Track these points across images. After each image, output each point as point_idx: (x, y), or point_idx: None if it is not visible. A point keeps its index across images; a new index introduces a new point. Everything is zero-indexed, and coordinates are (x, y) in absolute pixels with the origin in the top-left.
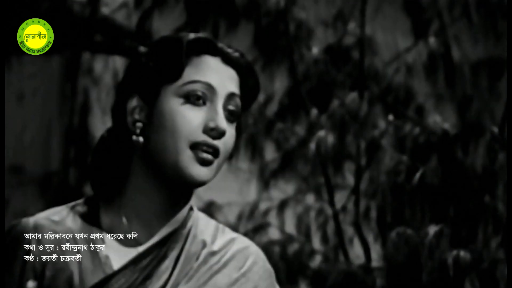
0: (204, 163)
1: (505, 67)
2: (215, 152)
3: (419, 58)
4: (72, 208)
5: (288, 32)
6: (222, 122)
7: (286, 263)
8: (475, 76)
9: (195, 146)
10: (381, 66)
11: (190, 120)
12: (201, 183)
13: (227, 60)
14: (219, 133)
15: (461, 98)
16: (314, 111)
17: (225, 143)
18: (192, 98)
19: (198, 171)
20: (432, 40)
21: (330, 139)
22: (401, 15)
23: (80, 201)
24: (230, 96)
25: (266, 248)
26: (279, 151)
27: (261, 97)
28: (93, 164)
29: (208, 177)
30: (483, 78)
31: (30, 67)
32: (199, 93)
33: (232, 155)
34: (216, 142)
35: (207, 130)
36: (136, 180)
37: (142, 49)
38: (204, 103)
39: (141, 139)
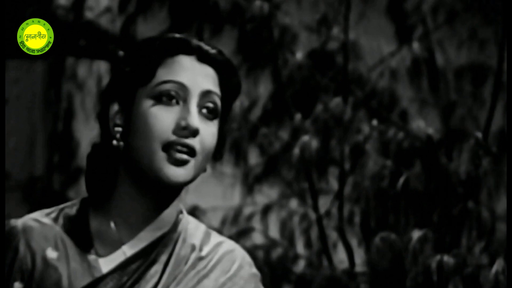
0: (178, 163)
1: (489, 73)
2: (190, 151)
3: (402, 63)
4: (62, 210)
5: (272, 37)
6: (193, 120)
7: (270, 268)
8: (459, 82)
9: (168, 147)
10: (365, 71)
11: (162, 120)
12: (180, 184)
13: (203, 58)
14: (190, 132)
15: (445, 104)
16: (298, 116)
17: (202, 141)
18: (165, 99)
19: (173, 172)
20: (415, 45)
21: (314, 143)
22: (385, 20)
23: (70, 203)
24: (205, 94)
25: (250, 253)
26: (263, 156)
27: (245, 102)
28: (87, 169)
29: (186, 177)
30: (466, 84)
31: (14, 72)
32: (172, 93)
33: (222, 154)
34: (189, 141)
35: (179, 129)
36: (122, 185)
37: (121, 53)
38: (177, 103)
39: (121, 143)
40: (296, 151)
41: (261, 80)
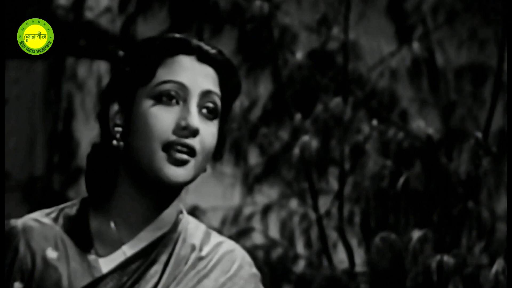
0: (178, 163)
1: (489, 73)
2: (190, 151)
3: (402, 63)
4: (62, 210)
5: (272, 37)
6: (193, 120)
7: (270, 268)
8: (459, 82)
9: (168, 147)
10: (365, 71)
11: (162, 120)
12: (180, 184)
13: (203, 58)
14: (190, 132)
15: (445, 104)
16: (298, 116)
17: (203, 141)
18: (165, 99)
19: (173, 172)
20: (415, 45)
21: (314, 143)
22: (385, 20)
23: (70, 203)
24: (205, 94)
25: (250, 253)
26: (263, 156)
27: (245, 102)
28: (87, 169)
29: (186, 177)
30: (466, 84)
31: (14, 72)
32: (172, 93)
33: (222, 154)
34: (189, 141)
35: (179, 129)
36: (122, 185)
37: (121, 53)
38: (177, 103)
39: (121, 143)
40: (296, 151)
41: (261, 80)
